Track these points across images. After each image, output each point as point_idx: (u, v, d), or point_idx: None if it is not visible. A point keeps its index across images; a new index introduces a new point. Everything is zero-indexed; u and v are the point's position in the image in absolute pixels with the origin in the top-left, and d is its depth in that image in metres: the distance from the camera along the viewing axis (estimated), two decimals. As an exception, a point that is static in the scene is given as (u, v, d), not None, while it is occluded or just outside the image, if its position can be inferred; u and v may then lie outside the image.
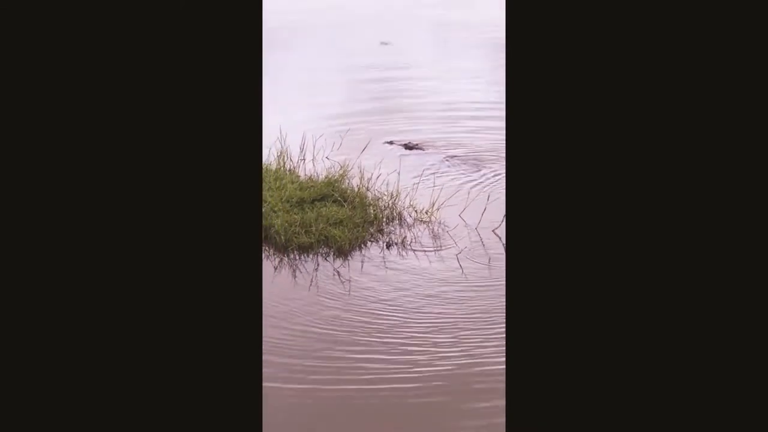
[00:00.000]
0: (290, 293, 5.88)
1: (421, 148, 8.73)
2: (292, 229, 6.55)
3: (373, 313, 5.57)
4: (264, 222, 6.63)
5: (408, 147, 8.76)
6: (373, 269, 6.18)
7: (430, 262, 6.31)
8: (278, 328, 5.38)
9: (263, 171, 7.47)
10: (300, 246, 6.44)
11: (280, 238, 6.50)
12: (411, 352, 5.12)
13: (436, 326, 5.39)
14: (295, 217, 6.66)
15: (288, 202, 6.92)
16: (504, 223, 6.60)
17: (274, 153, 7.79)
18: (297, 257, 6.39)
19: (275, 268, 6.29)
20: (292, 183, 7.22)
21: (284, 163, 7.70)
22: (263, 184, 7.17)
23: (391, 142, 8.85)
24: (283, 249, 6.47)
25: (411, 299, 5.76)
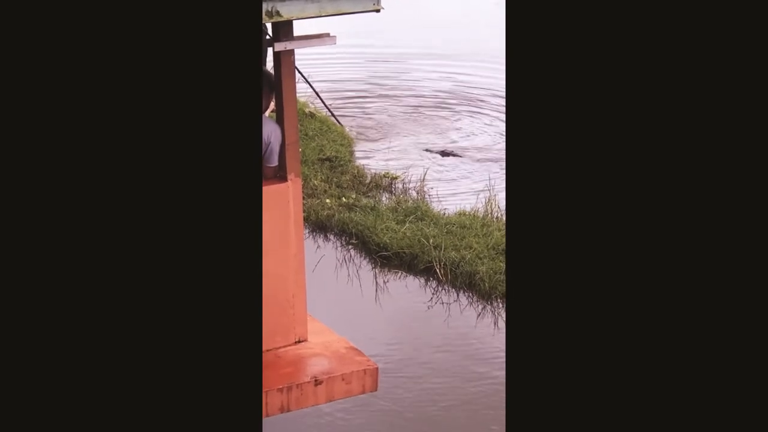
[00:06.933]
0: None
1: (457, 155, 9.18)
2: (497, 276, 6.52)
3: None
4: (468, 268, 6.64)
5: (444, 154, 9.21)
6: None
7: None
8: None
9: (470, 217, 7.48)
10: (503, 294, 6.41)
11: (484, 284, 6.49)
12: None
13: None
14: (501, 264, 6.63)
15: (494, 249, 6.90)
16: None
17: (483, 200, 7.79)
18: (500, 305, 6.35)
19: (478, 315, 6.27)
20: (499, 230, 7.20)
21: (492, 210, 7.68)
22: (469, 230, 7.19)
23: (428, 150, 9.26)
24: (486, 296, 6.45)
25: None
